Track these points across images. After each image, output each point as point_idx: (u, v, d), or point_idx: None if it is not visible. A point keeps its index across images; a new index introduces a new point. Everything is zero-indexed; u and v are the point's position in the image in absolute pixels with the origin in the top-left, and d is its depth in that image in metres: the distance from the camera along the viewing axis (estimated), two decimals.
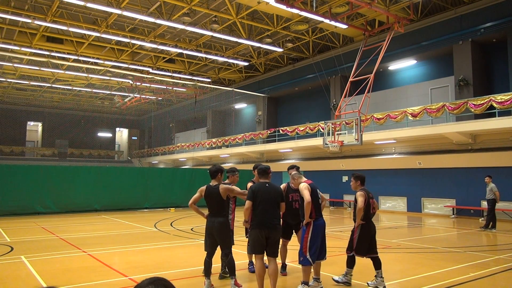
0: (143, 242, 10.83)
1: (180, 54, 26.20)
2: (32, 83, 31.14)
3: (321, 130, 20.87)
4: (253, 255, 5.96)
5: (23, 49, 22.75)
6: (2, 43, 22.26)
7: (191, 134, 39.07)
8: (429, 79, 21.29)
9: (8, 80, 30.24)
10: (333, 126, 17.63)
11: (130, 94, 35.12)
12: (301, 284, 5.98)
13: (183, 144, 36.55)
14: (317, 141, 22.10)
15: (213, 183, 6.11)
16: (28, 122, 42.40)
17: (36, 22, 18.92)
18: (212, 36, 21.16)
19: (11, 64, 26.34)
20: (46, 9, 18.82)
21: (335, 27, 18.99)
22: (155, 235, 12.36)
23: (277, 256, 5.78)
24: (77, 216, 17.70)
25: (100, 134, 46.39)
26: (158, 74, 29.05)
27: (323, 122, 19.22)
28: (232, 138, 30.10)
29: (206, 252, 6.09)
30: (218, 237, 5.94)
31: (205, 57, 26.39)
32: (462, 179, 18.06)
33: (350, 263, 6.44)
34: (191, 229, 13.52)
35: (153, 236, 11.98)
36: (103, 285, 6.43)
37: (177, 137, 42.46)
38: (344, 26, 17.91)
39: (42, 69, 26.95)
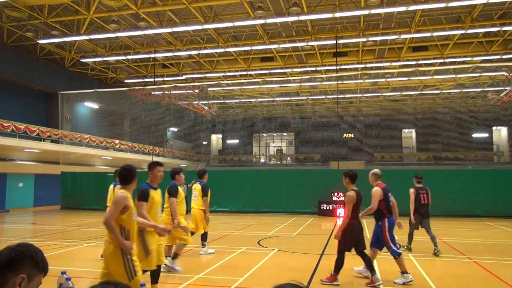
0: None
1: None
2: (403, 93, 33.40)
3: None
4: None
5: (393, 63, 24.89)
6: (376, 62, 25.20)
7: None
8: None
9: (384, 94, 33.77)
10: None
11: (506, 88, 31.35)
12: None
13: None
14: None
15: None
16: (403, 130, 45.54)
17: (402, 36, 20.30)
18: None
19: (384, 80, 29.27)
20: (410, 21, 19.78)
21: None
22: None
23: None
24: (456, 220, 17.31)
25: (475, 135, 43.74)
26: None
27: None
28: None
29: None
30: None
31: None
32: None
33: None
34: None
35: None
36: None
37: None
38: None
39: (410, 78, 28.47)
